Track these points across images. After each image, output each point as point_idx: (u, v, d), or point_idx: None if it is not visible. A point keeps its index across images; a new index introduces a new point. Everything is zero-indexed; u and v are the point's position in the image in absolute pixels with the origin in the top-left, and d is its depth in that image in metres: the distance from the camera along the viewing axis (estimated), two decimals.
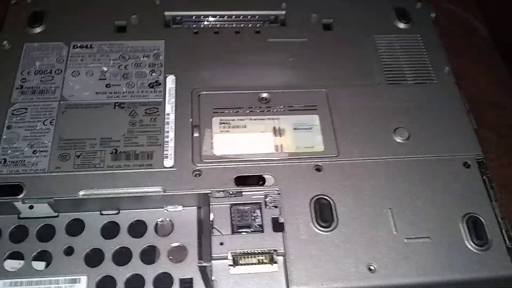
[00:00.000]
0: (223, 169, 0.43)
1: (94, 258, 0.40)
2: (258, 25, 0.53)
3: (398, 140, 0.45)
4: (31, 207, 0.41)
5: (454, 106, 0.48)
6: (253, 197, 0.42)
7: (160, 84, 0.47)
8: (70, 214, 0.42)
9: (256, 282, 0.39)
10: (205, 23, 0.53)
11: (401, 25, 0.53)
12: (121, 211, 0.42)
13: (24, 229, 0.42)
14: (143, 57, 0.49)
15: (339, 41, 0.52)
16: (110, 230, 0.42)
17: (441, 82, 0.49)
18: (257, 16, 0.53)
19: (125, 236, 0.42)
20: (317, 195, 0.42)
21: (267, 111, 0.46)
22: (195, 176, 0.42)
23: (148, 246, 0.41)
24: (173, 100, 0.46)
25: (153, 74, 0.48)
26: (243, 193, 0.42)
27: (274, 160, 0.43)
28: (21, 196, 0.40)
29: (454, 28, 0.63)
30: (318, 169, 0.43)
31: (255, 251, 0.39)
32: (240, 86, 0.48)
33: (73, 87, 0.46)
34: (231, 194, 0.42)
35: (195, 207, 0.43)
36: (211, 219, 0.40)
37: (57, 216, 0.42)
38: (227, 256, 0.39)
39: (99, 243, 0.41)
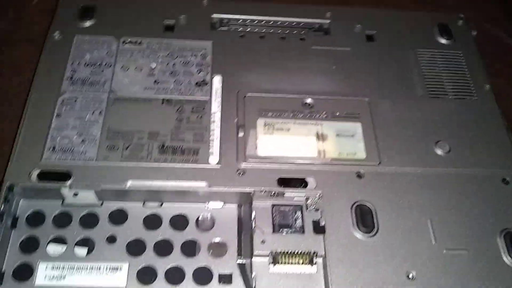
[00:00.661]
0: (266, 169, 0.43)
1: (135, 248, 0.41)
2: (302, 32, 0.54)
3: (439, 153, 0.46)
4: (75, 195, 0.42)
5: (494, 123, 0.48)
6: (294, 199, 0.42)
7: (207, 83, 0.48)
8: (114, 203, 0.43)
9: (295, 282, 0.39)
10: (251, 27, 0.54)
11: (443, 41, 0.54)
12: (163, 203, 0.43)
13: (68, 215, 0.42)
14: (191, 56, 0.50)
15: (382, 52, 0.53)
16: (153, 222, 0.43)
17: (481, 99, 0.50)
18: (301, 24, 0.55)
19: (167, 228, 0.42)
20: (358, 201, 0.42)
21: (310, 116, 0.47)
22: (239, 174, 0.43)
23: (189, 239, 0.42)
24: (219, 99, 0.47)
25: (200, 73, 0.49)
26: (285, 194, 0.42)
27: (316, 164, 0.44)
28: (68, 183, 0.41)
29: (491, 47, 0.63)
30: (359, 176, 0.44)
31: (296, 252, 0.40)
32: (285, 90, 0.48)
33: (122, 81, 0.47)
34: (273, 194, 0.42)
35: (235, 205, 0.44)
36: (252, 217, 0.41)
37: (100, 205, 0.43)
38: (268, 254, 0.40)
39: (141, 233, 0.42)
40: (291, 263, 0.40)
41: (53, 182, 0.41)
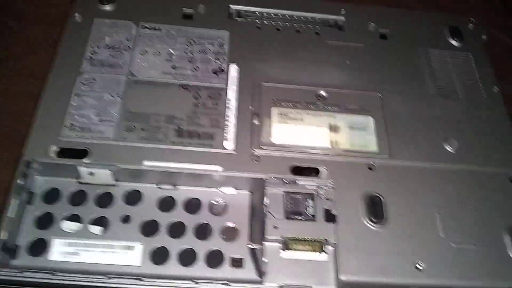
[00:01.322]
0: (280, 157, 0.44)
1: (149, 228, 0.42)
2: (317, 26, 0.55)
3: (448, 149, 0.47)
4: (91, 174, 0.43)
5: (502, 124, 0.50)
6: (306, 187, 0.43)
7: (223, 71, 0.49)
8: (129, 184, 0.44)
9: (305, 268, 0.40)
10: (267, 20, 0.55)
11: (454, 42, 0.55)
12: (177, 186, 0.44)
13: (83, 194, 0.43)
14: (208, 44, 0.51)
15: (394, 50, 0.54)
16: (167, 204, 0.43)
17: (490, 100, 0.51)
18: (317, 19, 0.55)
19: (180, 211, 0.43)
20: (368, 192, 0.43)
21: (323, 108, 0.48)
22: (253, 160, 0.44)
23: (202, 223, 0.43)
24: (235, 87, 0.48)
25: (217, 61, 0.49)
26: (298, 182, 0.43)
27: (329, 154, 0.45)
28: (86, 160, 0.42)
29: (501, 52, 0.64)
30: (370, 168, 0.45)
31: (307, 238, 0.41)
32: (299, 81, 0.49)
33: (140, 64, 0.48)
34: (286, 182, 0.43)
35: (248, 192, 0.45)
36: (265, 203, 0.42)
37: (116, 185, 0.43)
38: (279, 239, 0.40)
39: (155, 214, 0.43)
40: (302, 250, 0.41)
41: (71, 160, 0.42)
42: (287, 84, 0.49)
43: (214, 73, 0.49)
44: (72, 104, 0.45)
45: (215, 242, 0.42)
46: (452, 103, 0.50)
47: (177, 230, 0.42)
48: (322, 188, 0.43)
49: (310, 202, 0.43)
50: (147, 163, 0.42)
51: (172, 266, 0.40)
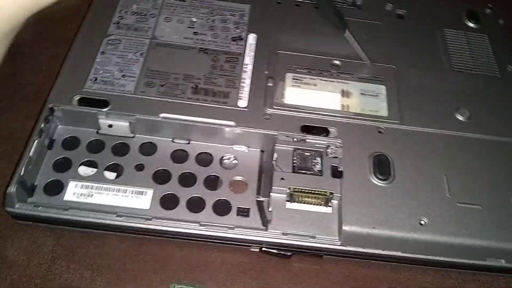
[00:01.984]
0: (291, 116, 0.46)
1: (161, 177, 0.43)
2: (336, 5, 0.57)
3: (459, 118, 0.47)
4: (110, 126, 0.45)
5: None
6: (315, 145, 0.44)
7: (242, 39, 0.51)
8: (145, 137, 0.46)
9: (309, 219, 0.41)
10: None
11: (471, 24, 0.56)
12: (191, 142, 0.46)
13: (101, 143, 0.45)
14: (229, 15, 0.53)
15: (411, 29, 0.55)
16: (180, 156, 0.45)
17: (504, 77, 0.51)
18: None
19: (192, 163, 0.45)
20: (376, 152, 0.44)
21: (337, 75, 0.49)
22: (265, 118, 0.45)
23: (212, 175, 0.44)
24: (252, 53, 0.50)
25: (237, 30, 0.52)
26: (307, 140, 0.44)
27: (339, 116, 0.46)
28: (106, 110, 0.44)
29: None
30: (380, 131, 0.46)
31: (313, 191, 0.41)
32: (315, 51, 0.51)
33: (164, 29, 0.51)
34: (296, 139, 0.44)
35: (259, 151, 0.46)
36: (274, 158, 0.43)
37: (132, 137, 0.45)
38: (286, 190, 0.41)
39: (168, 165, 0.44)
40: (307, 203, 0.42)
41: (92, 108, 0.44)
42: (302, 53, 0.51)
43: (233, 40, 0.51)
44: (97, 61, 0.47)
45: (223, 193, 0.43)
46: (465, 77, 0.51)
47: (187, 180, 0.44)
48: (330, 147, 0.44)
49: (318, 159, 0.44)
50: (163, 115, 0.44)
51: (181, 211, 0.42)
